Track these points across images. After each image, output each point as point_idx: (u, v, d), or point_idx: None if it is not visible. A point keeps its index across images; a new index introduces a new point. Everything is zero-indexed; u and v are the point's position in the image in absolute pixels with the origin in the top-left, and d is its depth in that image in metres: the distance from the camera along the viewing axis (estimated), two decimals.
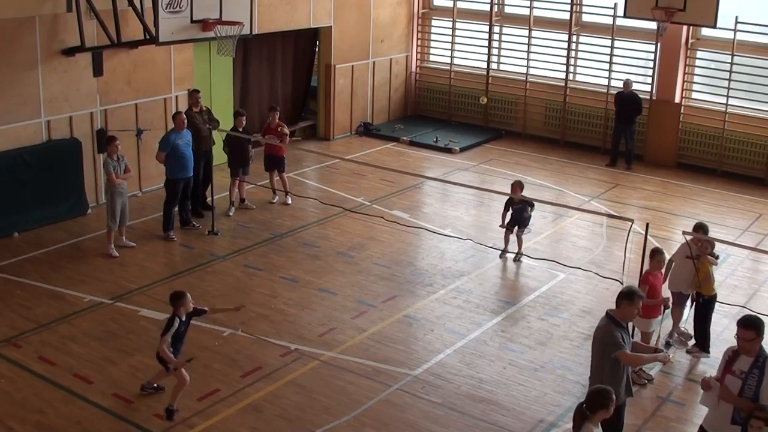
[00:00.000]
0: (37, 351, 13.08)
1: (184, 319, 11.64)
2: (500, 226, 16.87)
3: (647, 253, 12.75)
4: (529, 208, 16.86)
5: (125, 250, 16.77)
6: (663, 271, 13.25)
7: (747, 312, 13.96)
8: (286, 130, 19.55)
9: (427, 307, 15.02)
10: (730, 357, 9.37)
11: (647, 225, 13.09)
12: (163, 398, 11.92)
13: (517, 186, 16.74)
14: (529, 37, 25.50)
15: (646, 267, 12.80)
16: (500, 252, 17.10)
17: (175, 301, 11.64)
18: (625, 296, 9.84)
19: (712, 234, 14.00)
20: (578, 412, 8.47)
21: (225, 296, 15.09)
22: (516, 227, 16.93)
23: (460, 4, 26.77)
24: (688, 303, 13.72)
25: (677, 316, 13.75)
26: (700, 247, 13.24)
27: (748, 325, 9.22)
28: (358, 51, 25.51)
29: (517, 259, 16.98)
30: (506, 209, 16.88)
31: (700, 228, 13.45)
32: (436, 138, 25.11)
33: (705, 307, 13.40)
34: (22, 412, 11.52)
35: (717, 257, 13.93)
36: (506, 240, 17.08)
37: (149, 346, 13.30)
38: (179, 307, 11.59)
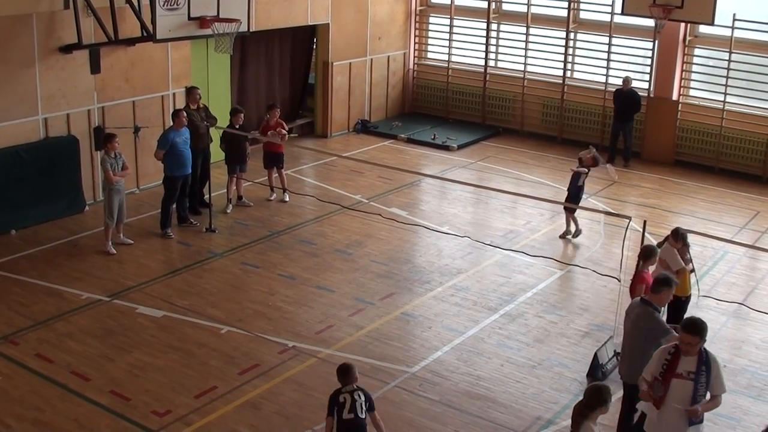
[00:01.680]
0: (34, 348, 13.08)
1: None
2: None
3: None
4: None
5: (123, 248, 16.77)
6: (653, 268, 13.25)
7: (746, 310, 14.10)
8: (286, 130, 19.55)
9: (424, 304, 15.03)
10: (671, 360, 9.22)
11: (645, 222, 13.12)
12: (161, 395, 11.92)
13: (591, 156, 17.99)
14: (527, 34, 25.49)
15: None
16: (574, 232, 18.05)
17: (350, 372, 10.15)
18: (665, 282, 10.47)
19: (709, 231, 14.00)
20: (577, 410, 8.47)
21: (223, 293, 15.10)
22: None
23: (457, 1, 26.74)
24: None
25: None
26: (680, 252, 13.23)
27: (695, 331, 9.09)
28: (355, 48, 25.49)
29: (576, 236, 18.05)
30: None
31: (679, 235, 13.31)
32: (433, 135, 25.10)
33: (681, 307, 13.33)
34: (19, 410, 11.52)
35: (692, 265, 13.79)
36: (575, 220, 18.08)
37: (146, 343, 13.35)
38: (356, 378, 10.12)
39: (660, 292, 10.45)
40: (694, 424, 9.28)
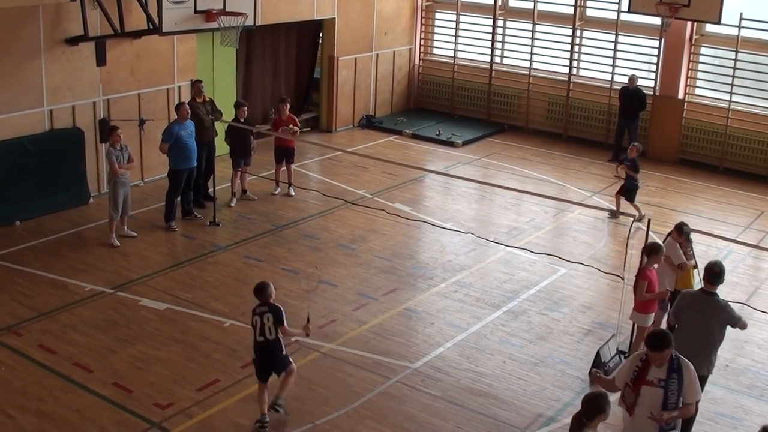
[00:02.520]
0: (37, 339, 13.11)
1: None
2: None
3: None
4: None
5: (127, 240, 16.79)
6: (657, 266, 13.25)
7: (749, 309, 14.08)
8: (298, 125, 19.59)
9: (427, 300, 15.03)
10: (641, 368, 9.08)
11: (649, 221, 13.08)
12: (163, 387, 11.96)
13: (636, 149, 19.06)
14: (533, 31, 25.47)
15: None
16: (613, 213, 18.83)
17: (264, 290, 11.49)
18: (723, 274, 10.99)
19: (713, 230, 13.99)
20: (576, 421, 8.35)
21: (226, 287, 15.12)
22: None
23: None
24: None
25: (660, 317, 13.57)
26: (681, 246, 13.27)
27: (660, 346, 8.92)
28: (361, 43, 25.49)
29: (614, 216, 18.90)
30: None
31: (682, 230, 13.36)
32: (438, 131, 25.09)
33: None
34: (22, 400, 11.55)
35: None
36: (618, 203, 19.00)
37: (149, 335, 13.36)
38: (270, 296, 11.41)
39: (717, 284, 10.90)
40: (666, 431, 9.17)
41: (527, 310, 14.80)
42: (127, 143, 16.86)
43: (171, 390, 11.94)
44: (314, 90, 25.92)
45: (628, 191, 18.85)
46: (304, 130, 23.13)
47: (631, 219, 13.56)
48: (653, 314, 12.85)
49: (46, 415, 11.27)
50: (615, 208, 18.66)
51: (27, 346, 12.91)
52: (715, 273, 10.95)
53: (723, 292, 14.71)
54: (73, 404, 11.52)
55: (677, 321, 11.12)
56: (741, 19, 22.07)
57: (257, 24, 19.18)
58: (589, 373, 9.46)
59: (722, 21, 21.26)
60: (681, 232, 13.24)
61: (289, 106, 19.51)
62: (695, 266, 13.45)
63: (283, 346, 11.34)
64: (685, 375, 9.01)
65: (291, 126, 19.24)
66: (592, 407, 8.28)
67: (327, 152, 22.88)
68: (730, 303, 11.07)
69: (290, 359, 11.50)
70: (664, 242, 13.31)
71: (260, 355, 11.38)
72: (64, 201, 18.07)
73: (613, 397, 9.13)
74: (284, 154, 19.61)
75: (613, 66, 24.40)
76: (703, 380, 10.49)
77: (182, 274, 15.58)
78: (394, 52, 26.74)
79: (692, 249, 13.47)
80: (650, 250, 12.57)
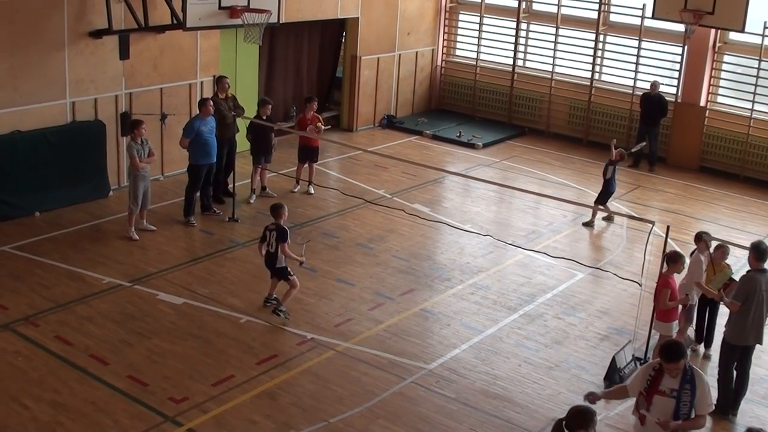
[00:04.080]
0: (54, 330, 13.17)
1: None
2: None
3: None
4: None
5: (145, 234, 16.84)
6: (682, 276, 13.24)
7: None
8: (323, 123, 19.62)
9: (444, 301, 15.03)
10: (654, 377, 9.00)
11: (668, 228, 13.04)
12: (178, 381, 11.99)
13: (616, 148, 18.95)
14: (556, 35, 25.43)
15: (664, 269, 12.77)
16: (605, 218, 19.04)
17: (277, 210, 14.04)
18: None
19: (732, 239, 13.96)
20: (557, 428, 8.06)
21: (243, 283, 15.15)
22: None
23: (487, 0, 26.70)
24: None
25: (685, 328, 13.58)
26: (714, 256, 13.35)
27: (675, 357, 8.86)
28: (384, 43, 25.49)
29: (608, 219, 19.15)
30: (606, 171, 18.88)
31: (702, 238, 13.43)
32: (459, 133, 25.07)
33: (714, 308, 13.80)
34: (37, 390, 11.60)
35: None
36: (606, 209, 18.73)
37: (166, 330, 13.40)
38: (280, 217, 13.94)
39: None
40: None
41: (543, 314, 14.78)
42: (148, 137, 16.91)
43: (186, 384, 11.97)
44: (336, 89, 25.94)
45: (603, 195, 18.99)
46: (327, 128, 23.15)
47: (650, 225, 13.47)
48: (676, 322, 12.83)
49: (61, 406, 11.32)
50: (607, 214, 19.01)
51: (44, 336, 12.97)
52: (762, 250, 11.88)
53: None
54: (88, 396, 11.57)
55: (744, 304, 11.81)
56: (765, 27, 21.97)
57: (281, 22, 19.20)
58: (585, 397, 9.36)
59: (746, 29, 21.18)
60: (700, 240, 13.27)
61: (316, 105, 19.53)
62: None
63: (282, 259, 13.81)
64: (698, 386, 8.92)
65: (318, 125, 19.27)
66: (577, 420, 7.94)
67: (347, 151, 22.88)
68: None
69: (291, 273, 13.97)
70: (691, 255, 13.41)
71: (266, 262, 14.01)
72: (84, 193, 18.13)
73: (626, 404, 9.13)
74: (308, 153, 19.63)
75: (636, 72, 24.33)
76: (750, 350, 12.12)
77: (200, 270, 15.62)
78: (416, 52, 26.73)
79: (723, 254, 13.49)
80: (670, 258, 12.57)
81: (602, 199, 18.84)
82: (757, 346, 12.17)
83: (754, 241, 12.35)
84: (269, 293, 14.33)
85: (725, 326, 12.24)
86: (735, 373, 12.14)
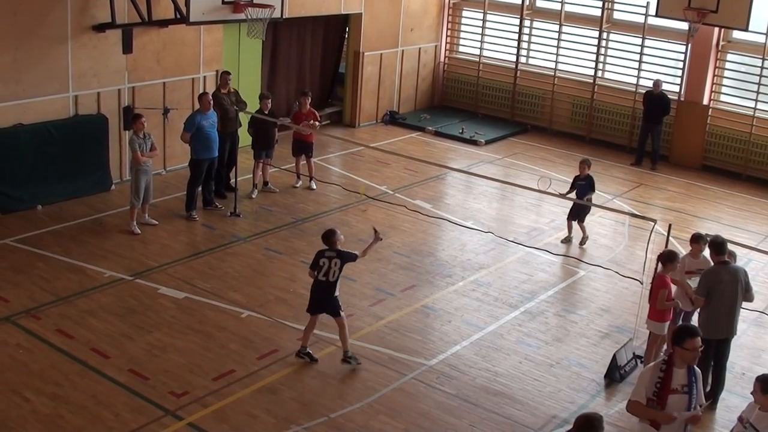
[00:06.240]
0: (55, 324, 13.18)
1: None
2: (559, 195, 16.86)
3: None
4: (590, 192, 17.51)
5: (147, 228, 16.85)
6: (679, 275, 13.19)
7: (767, 318, 14.02)
8: (318, 120, 19.61)
9: (445, 298, 15.03)
10: (664, 377, 8.78)
11: (669, 226, 13.05)
12: (179, 376, 11.99)
13: (584, 164, 17.61)
14: (560, 32, 25.41)
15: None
16: (563, 239, 17.78)
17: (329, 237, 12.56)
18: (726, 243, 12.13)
19: (734, 238, 13.95)
20: None
21: (245, 278, 15.16)
22: (577, 218, 17.62)
23: None
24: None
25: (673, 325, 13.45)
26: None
27: (696, 331, 8.87)
28: (387, 39, 25.48)
29: (582, 244, 17.70)
30: (572, 187, 17.72)
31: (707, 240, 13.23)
32: (461, 129, 25.07)
33: None
34: (38, 383, 11.61)
35: None
36: (569, 228, 17.73)
37: (167, 324, 13.41)
38: (335, 243, 12.51)
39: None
40: None
41: (545, 311, 14.79)
42: (151, 132, 16.92)
43: (186, 379, 11.98)
44: (339, 84, 25.93)
45: (578, 212, 17.72)
46: (324, 123, 23.15)
47: (652, 223, 13.46)
48: (669, 322, 12.78)
49: (61, 398, 11.33)
50: (568, 234, 17.91)
51: (45, 330, 12.98)
52: (718, 243, 12.11)
53: None
54: (89, 389, 11.58)
55: (708, 297, 11.94)
56: None
57: (284, 17, 19.19)
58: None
59: (750, 28, 21.15)
60: (697, 242, 13.14)
61: (310, 100, 19.53)
62: None
63: (338, 289, 12.47)
64: (698, 377, 8.92)
65: (312, 121, 19.26)
66: (585, 429, 7.89)
67: (349, 147, 22.87)
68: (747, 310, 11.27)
69: (341, 307, 12.55)
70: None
71: (319, 292, 12.52)
72: (87, 187, 18.14)
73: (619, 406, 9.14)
74: (302, 147, 19.62)
75: (639, 70, 24.31)
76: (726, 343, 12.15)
77: (201, 264, 15.63)
78: (419, 48, 26.72)
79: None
80: (667, 257, 12.55)
81: (581, 216, 17.84)
82: (758, 343, 12.17)
83: (711, 236, 12.62)
84: (304, 343, 12.75)
85: (697, 322, 12.17)
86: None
